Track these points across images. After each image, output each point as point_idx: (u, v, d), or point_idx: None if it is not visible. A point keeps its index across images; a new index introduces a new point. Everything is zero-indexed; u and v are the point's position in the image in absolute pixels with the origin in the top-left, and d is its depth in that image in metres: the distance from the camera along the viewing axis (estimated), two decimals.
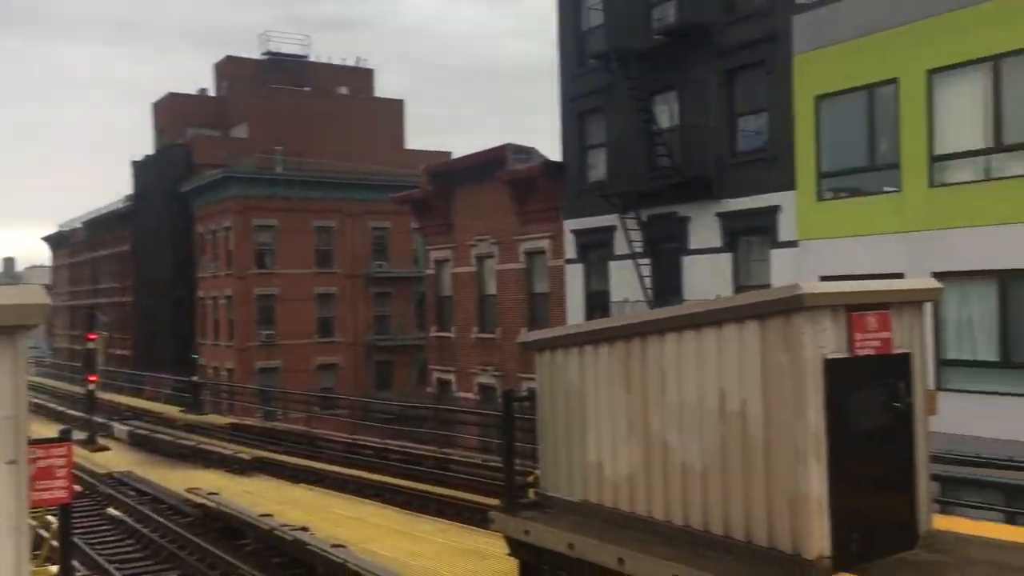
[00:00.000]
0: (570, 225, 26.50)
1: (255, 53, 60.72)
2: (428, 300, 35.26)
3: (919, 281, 7.34)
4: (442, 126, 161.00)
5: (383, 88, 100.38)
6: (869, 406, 6.76)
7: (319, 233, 48.07)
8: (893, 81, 17.74)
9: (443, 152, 55.60)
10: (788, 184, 19.94)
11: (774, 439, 6.66)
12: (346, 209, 48.59)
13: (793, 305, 6.48)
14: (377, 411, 34.01)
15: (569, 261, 26.55)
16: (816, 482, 6.40)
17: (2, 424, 4.34)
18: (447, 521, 14.42)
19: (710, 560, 6.90)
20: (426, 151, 57.88)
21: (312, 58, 60.94)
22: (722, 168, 21.66)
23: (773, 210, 20.29)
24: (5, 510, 4.39)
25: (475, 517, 14.36)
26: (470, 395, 30.83)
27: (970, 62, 16.45)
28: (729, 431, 7.01)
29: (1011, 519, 12.25)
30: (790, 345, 6.56)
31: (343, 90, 59.35)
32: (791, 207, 19.88)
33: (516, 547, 9.01)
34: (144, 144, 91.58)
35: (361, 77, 62.48)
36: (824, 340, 6.60)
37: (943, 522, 7.43)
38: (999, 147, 16.15)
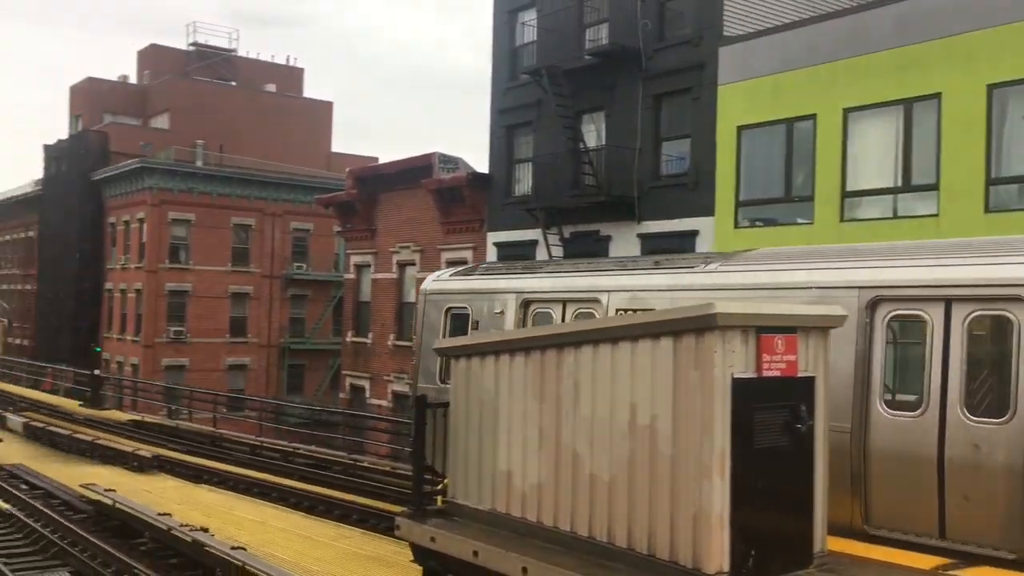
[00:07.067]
0: (493, 237, 26.59)
1: (182, 43, 59.41)
2: (346, 305, 34.86)
3: (826, 308, 7.59)
4: (376, 131, 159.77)
5: (316, 89, 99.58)
6: (772, 426, 6.94)
7: (237, 231, 47.15)
8: (811, 117, 18.37)
9: (370, 157, 55.28)
10: (708, 210, 20.43)
11: (681, 455, 6.78)
12: (267, 208, 47.80)
13: (706, 324, 6.63)
14: (287, 414, 33.41)
15: None
16: (719, 498, 6.54)
17: None
18: (351, 527, 14.23)
19: (611, 571, 6.97)
20: (352, 155, 57.46)
21: (241, 53, 59.92)
22: (645, 190, 22.05)
23: (692, 234, 20.74)
24: None
25: (380, 524, 14.21)
26: (384, 402, 30.56)
27: (883, 104, 17.15)
28: (638, 444, 7.11)
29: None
30: (701, 363, 6.69)
31: (270, 88, 58.43)
32: (709, 233, 20.36)
33: (421, 554, 8.94)
34: (59, 128, 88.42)
35: (290, 76, 61.67)
36: (734, 359, 6.75)
37: (838, 544, 7.66)
38: (907, 187, 16.85)
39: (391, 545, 11.86)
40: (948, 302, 7.81)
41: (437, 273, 14.28)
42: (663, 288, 10.46)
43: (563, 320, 11.78)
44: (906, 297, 8.14)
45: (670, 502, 6.83)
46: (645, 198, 22.03)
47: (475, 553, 7.96)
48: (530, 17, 26.13)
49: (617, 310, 10.68)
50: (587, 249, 23.21)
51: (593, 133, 23.85)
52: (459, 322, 12.97)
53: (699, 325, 6.71)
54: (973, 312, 7.73)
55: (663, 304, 10.02)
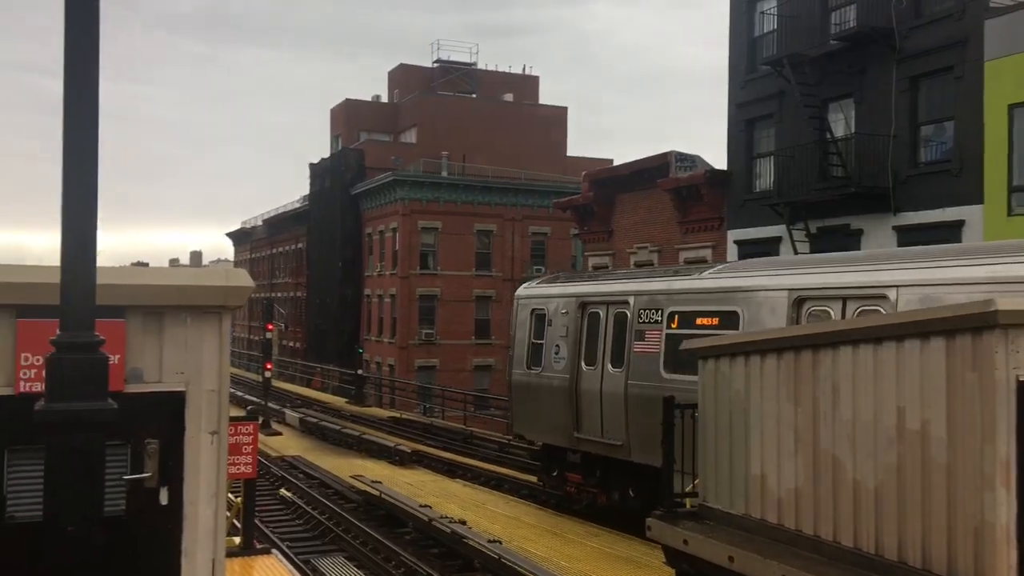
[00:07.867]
0: (733, 235, 25.92)
1: (428, 61, 62.82)
2: None
3: None
4: (610, 133, 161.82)
5: (555, 95, 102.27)
6: None
7: (480, 236, 49.13)
8: None
9: (605, 159, 55.66)
10: (975, 197, 18.76)
11: (958, 463, 6.29)
12: (507, 214, 49.44)
13: (986, 322, 6.10)
14: None
15: None
16: (1004, 511, 6.00)
17: (207, 397, 4.70)
18: (600, 526, 14.41)
19: None
20: (587, 158, 58.13)
21: (480, 66, 62.41)
22: (900, 179, 20.63)
23: (957, 225, 19.13)
24: (206, 477, 4.75)
25: (628, 526, 14.29)
26: None
27: None
28: (907, 451, 6.68)
29: None
30: (980, 364, 6.17)
31: (508, 97, 60.38)
32: (978, 222, 18.69)
33: (673, 557, 8.90)
34: (322, 147, 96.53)
35: (526, 84, 63.42)
36: (1019, 361, 6.18)
37: None
38: None
39: (641, 546, 11.90)
40: (844, 300, 10.35)
41: (529, 281, 17.57)
42: (664, 291, 13.21)
43: (606, 317, 14.21)
44: (818, 296, 10.71)
45: (947, 514, 6.36)
46: (901, 188, 20.59)
47: (730, 559, 7.81)
48: (770, 6, 25.21)
49: (639, 309, 13.44)
50: (836, 244, 22.03)
51: (840, 122, 22.61)
52: (540, 321, 15.85)
53: (976, 323, 6.21)
54: (859, 307, 10.21)
55: (667, 303, 12.99)
